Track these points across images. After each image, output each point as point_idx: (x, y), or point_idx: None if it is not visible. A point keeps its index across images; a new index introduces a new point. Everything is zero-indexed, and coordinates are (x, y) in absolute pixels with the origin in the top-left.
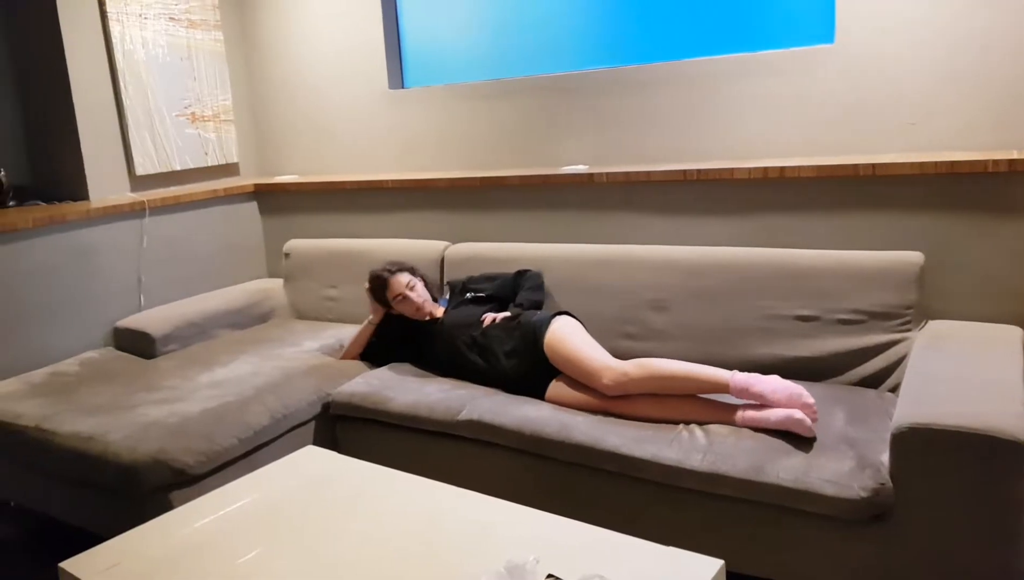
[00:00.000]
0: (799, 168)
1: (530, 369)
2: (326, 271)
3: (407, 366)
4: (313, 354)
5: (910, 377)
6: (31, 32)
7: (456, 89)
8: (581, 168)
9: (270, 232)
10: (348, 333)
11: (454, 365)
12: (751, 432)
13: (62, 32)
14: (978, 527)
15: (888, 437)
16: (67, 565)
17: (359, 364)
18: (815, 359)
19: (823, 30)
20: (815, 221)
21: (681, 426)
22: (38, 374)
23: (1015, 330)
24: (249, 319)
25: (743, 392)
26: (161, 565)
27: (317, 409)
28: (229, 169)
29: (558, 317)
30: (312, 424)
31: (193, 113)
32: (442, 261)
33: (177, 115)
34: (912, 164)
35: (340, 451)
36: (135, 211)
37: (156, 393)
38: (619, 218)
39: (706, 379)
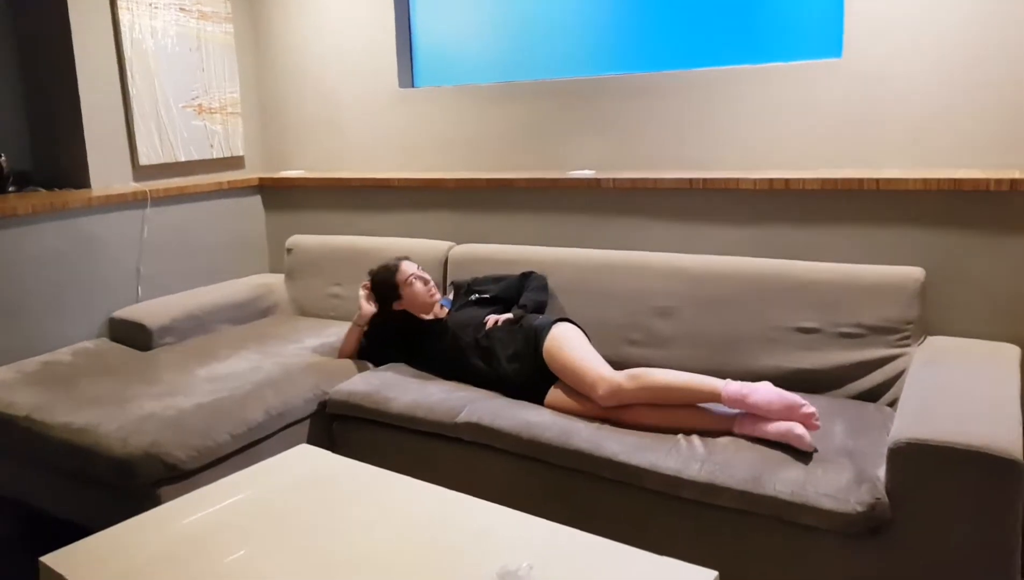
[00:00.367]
0: (804, 180)
1: (530, 374)
2: (328, 268)
3: (407, 367)
4: (313, 352)
5: (908, 392)
6: (39, 16)
7: (466, 90)
8: (588, 173)
9: (273, 227)
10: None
11: (455, 366)
12: (749, 443)
13: (70, 18)
14: (974, 542)
15: (885, 451)
16: (48, 560)
17: (359, 363)
18: (815, 371)
19: (831, 44)
20: (819, 233)
21: (680, 435)
22: (31, 363)
23: (1013, 349)
24: (249, 314)
25: (737, 402)
26: (145, 562)
27: (314, 407)
28: (234, 162)
29: (559, 323)
30: (308, 422)
31: (200, 105)
32: (446, 261)
33: (184, 106)
34: (916, 180)
35: (336, 450)
36: (137, 201)
37: (151, 386)
38: (625, 224)
39: (699, 389)
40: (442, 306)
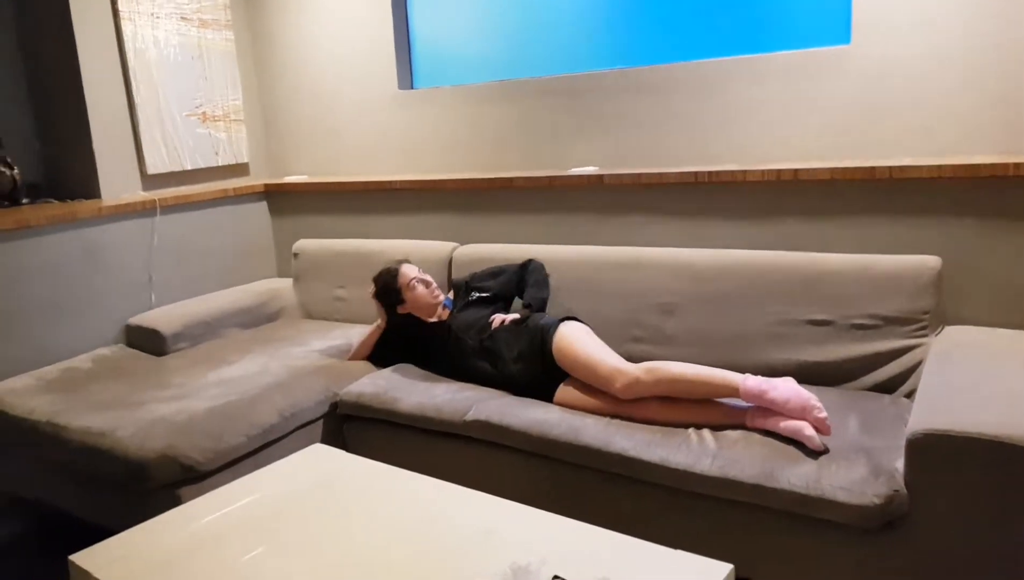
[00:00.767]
0: (813, 171)
1: (537, 373)
2: (335, 271)
3: (414, 367)
4: (321, 354)
5: (926, 383)
6: (44, 31)
7: (466, 90)
8: (590, 170)
9: (279, 232)
10: (356, 333)
11: (461, 369)
12: (761, 437)
13: (74, 31)
14: (993, 534)
15: (903, 443)
16: (77, 558)
17: (366, 364)
18: (828, 364)
19: (839, 31)
20: (830, 225)
21: (691, 430)
22: (51, 370)
23: None
24: (258, 318)
25: (755, 398)
26: (168, 560)
27: (325, 408)
28: (239, 169)
29: (566, 322)
30: (320, 423)
31: (204, 113)
32: (450, 262)
33: (188, 115)
34: (930, 167)
35: (348, 450)
36: (146, 210)
37: (166, 390)
38: (629, 220)
39: (718, 383)
40: (445, 307)
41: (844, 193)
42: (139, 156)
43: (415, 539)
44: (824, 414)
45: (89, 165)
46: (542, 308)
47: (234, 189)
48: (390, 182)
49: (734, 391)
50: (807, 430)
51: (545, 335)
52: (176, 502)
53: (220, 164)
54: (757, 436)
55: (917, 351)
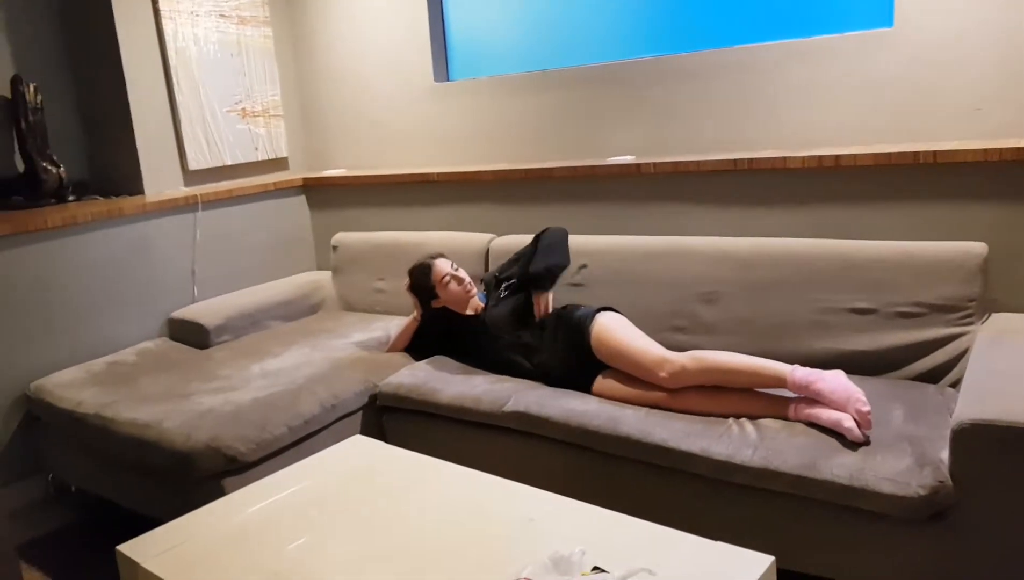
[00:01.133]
0: (855, 156)
1: (575, 366)
2: (373, 264)
3: (451, 359)
4: (361, 346)
5: (972, 372)
6: (87, 32)
7: (502, 81)
8: (628, 158)
9: (319, 225)
10: (395, 325)
11: (497, 362)
12: (804, 427)
13: (117, 30)
14: None
15: (948, 434)
16: (124, 548)
17: (404, 356)
18: (872, 353)
19: (881, 13)
20: (872, 211)
21: (731, 420)
22: (98, 363)
23: None
24: (299, 311)
25: (803, 388)
26: (214, 549)
27: (364, 400)
28: (278, 163)
29: (602, 313)
30: (360, 414)
31: (243, 108)
32: (487, 253)
33: (228, 110)
34: (976, 151)
35: (388, 442)
36: (189, 205)
37: (210, 382)
38: (667, 209)
39: (765, 373)
40: (479, 300)
41: (887, 178)
42: (181, 152)
43: (456, 529)
44: (867, 408)
45: (132, 162)
46: (542, 277)
47: (274, 183)
48: (427, 174)
49: (781, 381)
50: (847, 422)
51: (582, 327)
52: (220, 492)
53: (260, 159)
54: (799, 426)
55: (963, 339)
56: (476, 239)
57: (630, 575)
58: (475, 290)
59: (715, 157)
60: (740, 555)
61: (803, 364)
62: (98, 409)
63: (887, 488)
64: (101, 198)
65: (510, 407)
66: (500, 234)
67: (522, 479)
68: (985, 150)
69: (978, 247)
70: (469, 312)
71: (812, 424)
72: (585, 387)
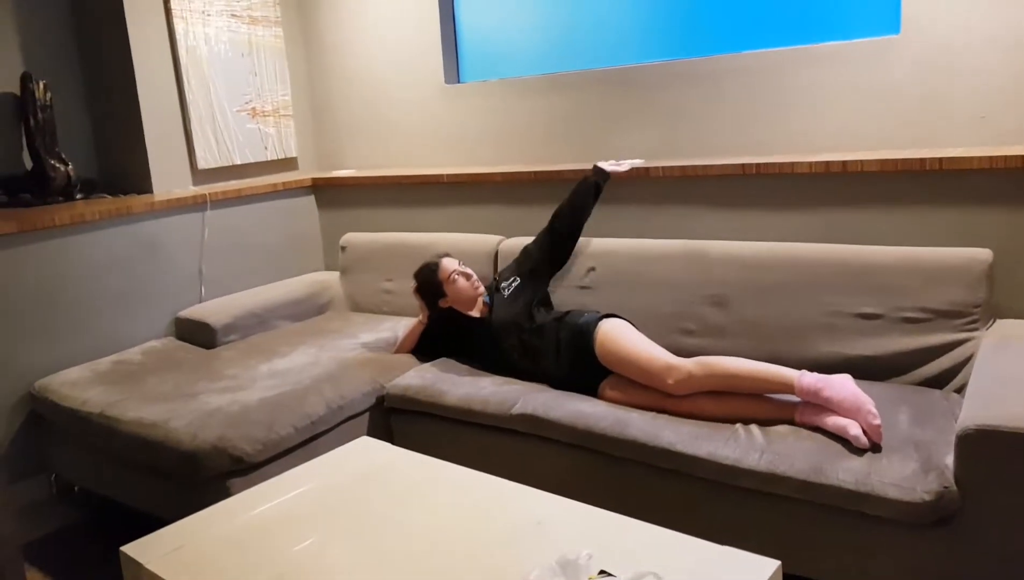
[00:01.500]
0: (862, 162)
1: (579, 371)
2: (382, 264)
3: (457, 362)
4: (369, 346)
5: (977, 377)
6: (99, 29)
7: (512, 83)
8: (637, 162)
9: (327, 225)
10: (403, 326)
11: (503, 365)
12: (809, 432)
13: (128, 29)
14: None
15: (953, 439)
16: (128, 549)
17: (411, 358)
18: (878, 358)
19: (889, 20)
20: (879, 216)
21: (738, 424)
22: (103, 362)
23: None
24: (307, 311)
25: (811, 395)
26: (219, 550)
27: (372, 401)
28: (288, 163)
29: (606, 319)
30: (367, 415)
31: (253, 108)
32: (496, 255)
33: (238, 110)
34: (981, 158)
35: (394, 443)
36: (197, 204)
37: (217, 382)
38: (676, 212)
39: (772, 378)
40: (485, 303)
41: (894, 184)
42: (190, 151)
43: (462, 532)
44: (878, 421)
45: (142, 160)
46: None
47: (283, 183)
48: (437, 176)
49: (789, 387)
50: (853, 429)
51: (586, 334)
52: (225, 493)
53: (269, 159)
54: (806, 431)
55: (968, 345)
56: (485, 240)
57: (637, 579)
58: (482, 288)
59: (724, 161)
60: (746, 559)
61: (810, 368)
62: (103, 408)
63: (892, 493)
64: (109, 196)
65: (518, 409)
66: (509, 236)
67: (529, 482)
68: (991, 157)
69: (983, 253)
70: (475, 314)
71: (818, 428)
72: (590, 393)
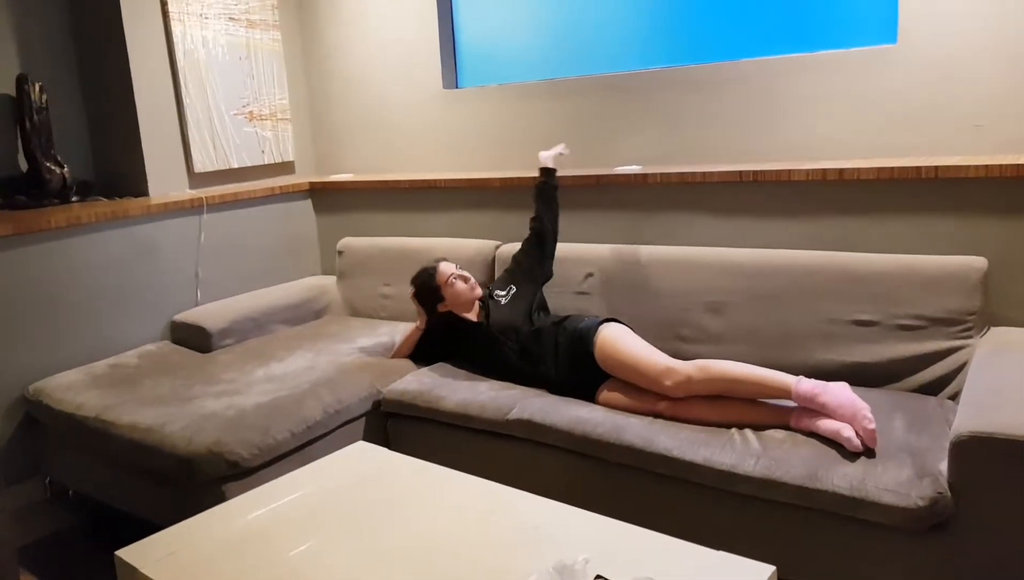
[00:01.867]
0: (858, 170)
1: (578, 376)
2: (379, 269)
3: (455, 367)
4: (366, 351)
5: (971, 384)
6: (95, 31)
7: (510, 89)
8: (635, 168)
9: (324, 230)
10: (401, 330)
11: (501, 370)
12: (805, 438)
13: (125, 31)
14: None
15: (948, 445)
16: (123, 553)
17: (409, 362)
18: (874, 365)
19: (886, 30)
20: (875, 224)
21: (734, 430)
22: (99, 366)
23: None
24: (304, 315)
25: (808, 400)
26: (215, 555)
27: (369, 405)
28: (285, 167)
29: (606, 324)
30: (364, 420)
31: (251, 112)
32: (493, 260)
33: (235, 113)
34: (977, 166)
35: (391, 448)
36: (194, 207)
37: (213, 386)
38: (673, 219)
39: (769, 383)
40: (481, 307)
41: (890, 192)
42: (187, 154)
43: (459, 537)
44: (873, 426)
45: (138, 163)
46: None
47: (280, 187)
48: (434, 181)
49: (787, 392)
50: (845, 431)
51: (586, 338)
52: (221, 497)
53: (266, 162)
54: (801, 437)
55: (963, 352)
56: (482, 246)
57: None
58: (480, 290)
59: (721, 168)
60: (742, 564)
61: (807, 375)
62: (99, 412)
63: (888, 499)
64: (105, 199)
65: (515, 415)
66: (506, 241)
67: (526, 487)
68: (987, 166)
69: (978, 261)
70: (473, 317)
71: (813, 434)
72: (589, 397)
